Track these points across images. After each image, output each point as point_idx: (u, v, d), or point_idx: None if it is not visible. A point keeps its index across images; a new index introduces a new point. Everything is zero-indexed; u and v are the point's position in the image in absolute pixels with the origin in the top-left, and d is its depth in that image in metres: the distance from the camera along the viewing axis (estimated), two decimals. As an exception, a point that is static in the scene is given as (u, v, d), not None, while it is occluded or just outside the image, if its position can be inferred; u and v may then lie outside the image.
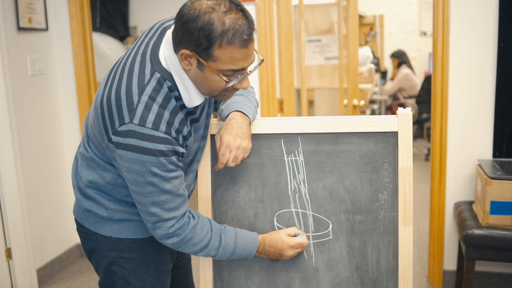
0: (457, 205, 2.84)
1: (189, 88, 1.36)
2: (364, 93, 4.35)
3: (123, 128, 1.30)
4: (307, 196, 1.61)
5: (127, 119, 1.30)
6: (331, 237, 1.61)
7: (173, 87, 1.36)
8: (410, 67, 6.28)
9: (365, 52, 4.96)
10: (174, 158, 1.35)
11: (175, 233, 1.42)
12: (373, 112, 5.60)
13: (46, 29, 3.29)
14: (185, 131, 1.38)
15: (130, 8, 6.56)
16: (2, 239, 3.05)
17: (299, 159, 1.61)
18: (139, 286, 1.55)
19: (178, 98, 1.37)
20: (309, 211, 1.61)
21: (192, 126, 1.43)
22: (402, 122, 1.56)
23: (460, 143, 2.83)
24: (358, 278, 1.60)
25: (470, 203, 2.81)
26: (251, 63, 1.33)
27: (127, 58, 1.41)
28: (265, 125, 1.60)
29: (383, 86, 6.33)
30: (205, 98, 1.44)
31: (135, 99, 1.31)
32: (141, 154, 1.30)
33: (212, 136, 1.62)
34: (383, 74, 6.96)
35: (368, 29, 6.41)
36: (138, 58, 1.38)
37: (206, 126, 1.55)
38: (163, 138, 1.31)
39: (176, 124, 1.34)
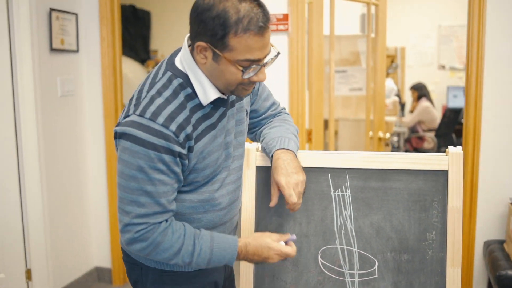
0: (487, 244, 2.79)
1: (204, 83, 1.35)
2: (389, 126, 4.33)
3: (125, 119, 1.32)
4: (353, 232, 1.57)
5: (131, 112, 1.32)
6: (376, 276, 1.57)
7: (185, 84, 1.35)
8: (430, 100, 6.26)
9: (389, 85, 4.95)
10: (166, 157, 1.29)
11: (143, 237, 1.32)
12: (392, 145, 5.56)
13: (77, 50, 3.30)
14: (189, 129, 1.33)
15: (152, 32, 6.62)
16: (23, 260, 3.02)
17: (346, 195, 1.58)
18: None
19: (191, 96, 1.35)
20: (354, 248, 1.58)
21: (206, 131, 1.38)
22: (452, 161, 1.53)
23: (491, 180, 2.78)
24: (404, 319, 1.56)
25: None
26: (267, 54, 1.31)
27: None
28: (313, 158, 1.58)
29: (402, 119, 6.31)
30: (228, 98, 1.43)
31: (143, 95, 1.34)
32: (133, 144, 1.27)
33: (262, 169, 1.59)
34: (402, 107, 6.93)
35: (389, 61, 6.41)
36: (155, 68, 1.42)
37: (239, 133, 1.51)
38: (158, 131, 1.27)
39: (179, 119, 1.31)
